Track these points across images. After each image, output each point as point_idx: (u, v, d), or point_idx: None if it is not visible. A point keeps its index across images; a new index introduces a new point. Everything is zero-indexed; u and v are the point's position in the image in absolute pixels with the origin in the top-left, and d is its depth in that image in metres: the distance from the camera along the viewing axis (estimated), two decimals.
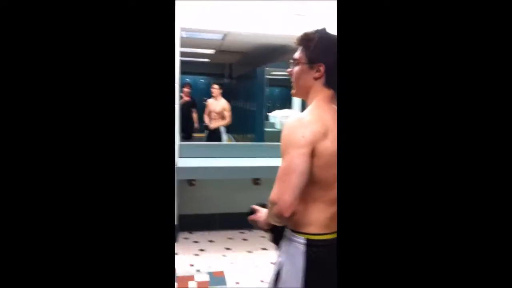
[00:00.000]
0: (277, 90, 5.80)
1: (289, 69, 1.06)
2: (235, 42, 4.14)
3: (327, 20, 3.08)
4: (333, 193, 0.94)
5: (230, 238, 2.92)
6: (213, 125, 4.25)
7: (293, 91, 1.08)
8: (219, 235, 2.96)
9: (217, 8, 2.80)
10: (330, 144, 0.91)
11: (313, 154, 0.90)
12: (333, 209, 0.95)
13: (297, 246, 0.97)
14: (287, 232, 1.00)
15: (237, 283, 2.23)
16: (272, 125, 5.38)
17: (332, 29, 0.97)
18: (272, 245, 1.07)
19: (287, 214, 0.86)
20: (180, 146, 2.94)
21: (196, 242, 2.84)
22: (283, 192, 0.86)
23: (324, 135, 0.92)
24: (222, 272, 2.36)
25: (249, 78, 5.26)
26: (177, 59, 2.77)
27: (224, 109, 4.32)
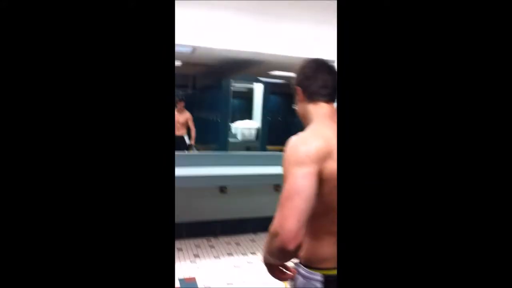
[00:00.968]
0: (237, 101, 5.97)
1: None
2: (203, 55, 4.27)
3: (289, 37, 3.30)
4: None
5: (197, 246, 2.99)
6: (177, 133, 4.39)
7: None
8: (187, 243, 3.02)
9: (188, 22, 2.92)
10: (335, 165, 0.79)
11: (320, 177, 0.79)
12: None
13: (315, 284, 0.86)
14: (301, 268, 0.89)
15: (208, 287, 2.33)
16: (235, 135, 5.53)
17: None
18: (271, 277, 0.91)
19: (291, 246, 0.72)
20: None
21: None
22: (286, 220, 0.73)
23: (329, 153, 0.81)
24: (194, 278, 2.44)
25: (214, 89, 5.38)
26: None
27: (187, 120, 4.47)
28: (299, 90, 0.98)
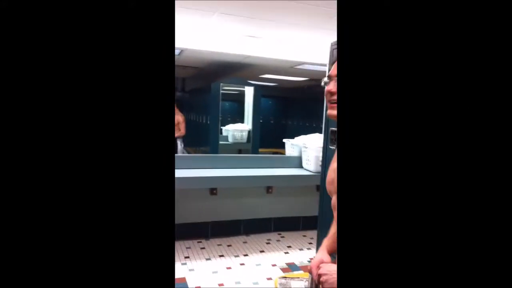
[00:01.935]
0: (228, 104, 5.99)
1: (327, 88, 0.90)
2: (191, 58, 4.28)
3: (278, 41, 3.34)
4: None
5: (188, 248, 2.98)
6: None
7: (330, 112, 0.89)
8: (177, 245, 3.01)
9: (176, 25, 2.92)
10: None
11: None
12: None
13: None
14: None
15: (198, 287, 2.33)
16: (226, 138, 5.53)
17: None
18: None
19: None
20: None
21: None
22: None
23: None
24: (184, 278, 2.43)
25: (204, 92, 5.39)
26: None
27: (179, 122, 4.44)
28: None
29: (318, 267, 0.93)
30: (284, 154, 3.71)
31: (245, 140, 5.35)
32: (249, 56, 3.92)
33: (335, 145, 2.58)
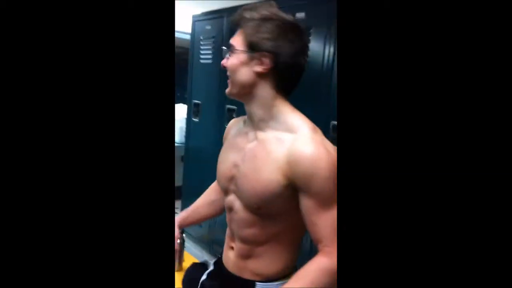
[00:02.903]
0: None
1: (223, 60, 0.78)
2: None
3: None
4: None
5: None
6: None
7: (228, 90, 0.78)
8: None
9: None
10: None
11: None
12: None
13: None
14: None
15: None
16: None
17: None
18: None
19: None
20: None
21: None
22: (335, 244, 0.68)
23: None
24: None
25: None
26: None
27: None
28: (268, 59, 0.73)
29: None
30: None
31: None
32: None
33: (198, 117, 2.63)
